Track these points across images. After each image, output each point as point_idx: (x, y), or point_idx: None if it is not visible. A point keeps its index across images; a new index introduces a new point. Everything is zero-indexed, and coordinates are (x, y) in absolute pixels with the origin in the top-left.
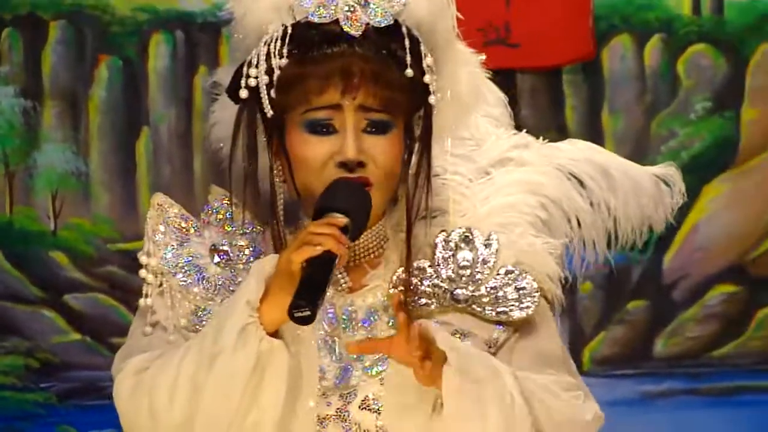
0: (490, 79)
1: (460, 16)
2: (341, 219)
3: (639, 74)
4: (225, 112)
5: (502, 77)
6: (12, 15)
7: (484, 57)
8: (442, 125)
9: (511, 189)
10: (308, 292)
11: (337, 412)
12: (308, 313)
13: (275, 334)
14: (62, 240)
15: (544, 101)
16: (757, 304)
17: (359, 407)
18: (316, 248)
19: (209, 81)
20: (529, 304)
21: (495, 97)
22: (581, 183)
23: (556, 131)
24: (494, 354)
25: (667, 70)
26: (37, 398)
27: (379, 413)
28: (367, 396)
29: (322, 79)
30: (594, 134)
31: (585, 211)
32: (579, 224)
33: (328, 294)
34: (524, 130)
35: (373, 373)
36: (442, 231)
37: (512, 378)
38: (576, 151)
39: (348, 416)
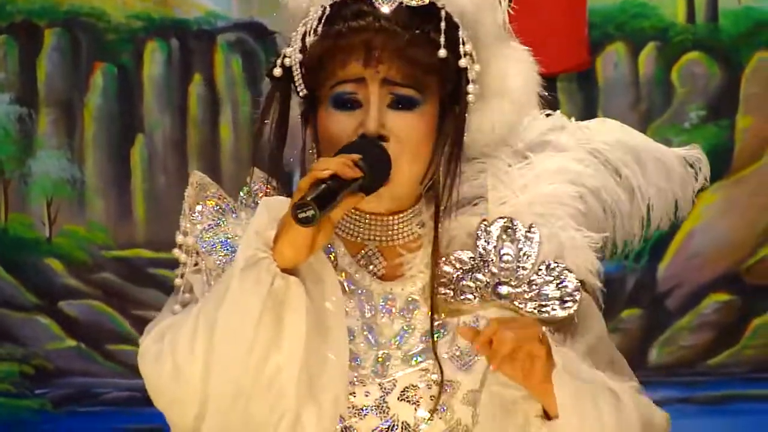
0: None
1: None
2: (353, 155)
3: (633, 82)
4: None
5: None
6: (7, 22)
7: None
8: (495, 119)
9: (551, 178)
10: (313, 195)
11: (375, 402)
12: (312, 212)
13: (292, 274)
14: (57, 247)
15: (538, 109)
16: (751, 312)
17: (398, 398)
18: (324, 172)
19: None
20: (571, 303)
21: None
22: (616, 170)
23: None
24: None
25: (661, 78)
26: (31, 405)
27: (418, 405)
28: (406, 387)
29: (346, 52)
30: None
31: (622, 202)
32: (614, 215)
33: (366, 281)
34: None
35: (413, 363)
36: (483, 220)
37: (607, 378)
38: (608, 133)
39: (386, 407)
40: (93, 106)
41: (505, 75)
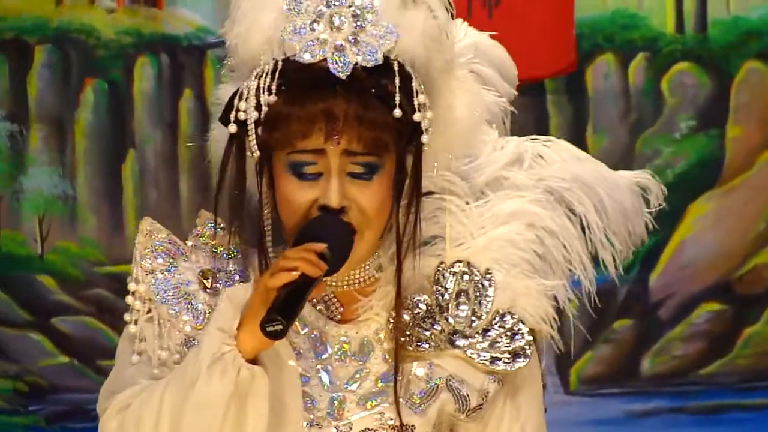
0: None
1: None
2: (319, 245)
3: (623, 93)
4: (223, 131)
5: None
6: None
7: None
8: (440, 150)
9: (508, 220)
10: (281, 307)
11: None
12: (280, 326)
13: (255, 361)
14: (49, 263)
15: (529, 121)
16: (743, 322)
17: None
18: (292, 273)
19: (213, 94)
20: (522, 359)
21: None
22: (570, 208)
23: None
24: (482, 405)
25: (651, 89)
26: (25, 421)
27: None
28: (362, 431)
29: (305, 122)
30: None
31: (576, 238)
32: (571, 256)
33: (321, 323)
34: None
35: (368, 406)
36: (441, 263)
37: None
38: (562, 166)
39: None
40: (84, 122)
41: (452, 107)
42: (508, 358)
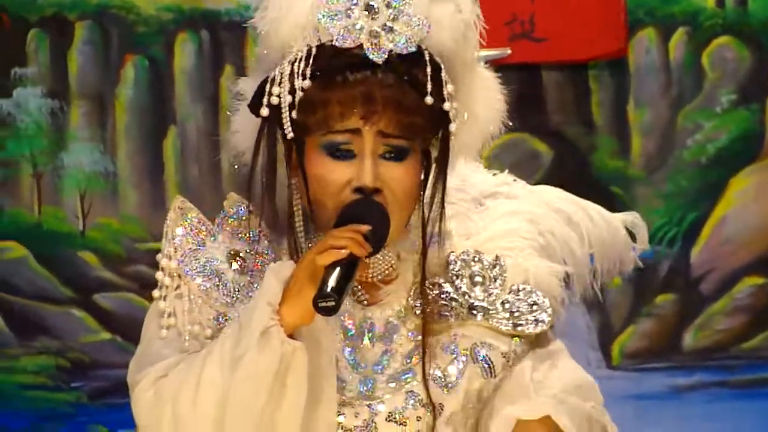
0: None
1: (483, 31)
2: (363, 227)
3: (664, 67)
4: (244, 121)
5: (528, 72)
6: (38, 16)
7: (509, 51)
8: (458, 147)
9: (508, 217)
10: (333, 284)
11: (364, 422)
12: (333, 303)
13: (292, 338)
14: (91, 240)
15: (570, 96)
16: None
17: (386, 419)
18: (341, 252)
19: (233, 88)
20: (545, 318)
21: None
22: (568, 217)
23: (582, 126)
24: (512, 365)
25: (692, 63)
26: (67, 398)
27: (405, 426)
28: (393, 408)
29: (344, 105)
30: (620, 128)
31: (576, 243)
32: (569, 256)
33: (346, 306)
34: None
35: (398, 385)
36: (451, 252)
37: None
38: (557, 191)
39: (375, 428)
40: (125, 99)
41: (473, 102)
42: (530, 321)
